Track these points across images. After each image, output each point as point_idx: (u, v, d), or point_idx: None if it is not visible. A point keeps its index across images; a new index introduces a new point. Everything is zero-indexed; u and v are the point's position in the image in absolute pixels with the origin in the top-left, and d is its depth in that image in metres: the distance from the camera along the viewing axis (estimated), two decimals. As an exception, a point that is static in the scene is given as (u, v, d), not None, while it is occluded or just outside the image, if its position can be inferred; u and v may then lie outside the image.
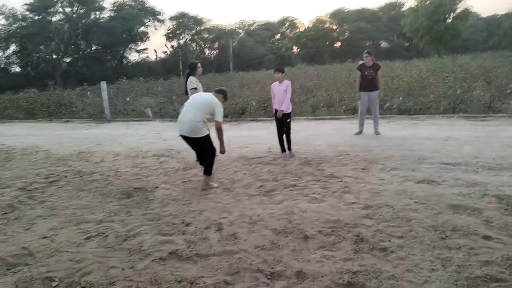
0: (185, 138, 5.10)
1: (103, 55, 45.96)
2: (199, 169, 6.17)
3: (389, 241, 3.33)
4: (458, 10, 41.61)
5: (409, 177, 5.08)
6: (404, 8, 56.46)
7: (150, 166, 6.65)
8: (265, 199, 4.59)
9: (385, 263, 2.98)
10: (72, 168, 6.79)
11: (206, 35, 54.86)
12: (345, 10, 67.19)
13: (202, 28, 53.75)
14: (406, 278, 2.77)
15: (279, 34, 68.85)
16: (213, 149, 5.19)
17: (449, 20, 41.58)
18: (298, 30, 68.23)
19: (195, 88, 6.49)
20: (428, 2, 41.20)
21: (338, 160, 6.24)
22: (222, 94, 5.29)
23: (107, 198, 5.01)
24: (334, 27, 67.30)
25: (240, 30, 64.27)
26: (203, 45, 56.49)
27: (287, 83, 6.75)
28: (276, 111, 6.77)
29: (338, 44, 65.51)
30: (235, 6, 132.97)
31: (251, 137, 8.70)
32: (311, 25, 66.07)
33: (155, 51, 56.37)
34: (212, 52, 58.27)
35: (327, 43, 62.74)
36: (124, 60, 50.63)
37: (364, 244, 3.30)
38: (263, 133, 9.47)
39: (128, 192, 5.18)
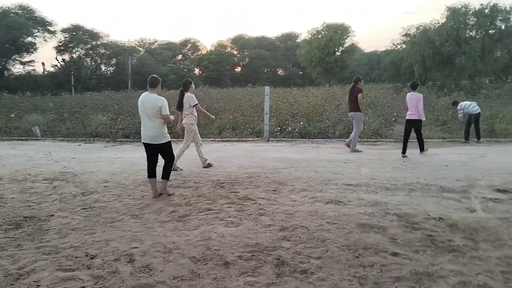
0: (148, 145, 5.42)
1: (-20, 65, 40.54)
2: (101, 194, 5.69)
3: (308, 262, 3.37)
4: (346, 45, 46.19)
5: (318, 198, 5.28)
6: (299, 40, 60.79)
7: (42, 192, 5.89)
8: (179, 225, 4.34)
9: (307, 286, 2.99)
10: None
11: (102, 51, 52.02)
12: (246, 37, 69.89)
13: (99, 42, 50.90)
14: (329, 299, 2.80)
15: (181, 55, 68.57)
16: (173, 156, 5.71)
17: (338, 53, 45.86)
18: (200, 52, 68.74)
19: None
20: (320, 35, 45.00)
21: (250, 182, 6.25)
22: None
23: (-10, 229, 4.26)
24: (235, 52, 69.35)
25: (140, 48, 62.53)
26: (99, 61, 53.41)
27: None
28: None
29: (238, 69, 67.52)
30: (135, 23, 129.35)
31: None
32: (213, 49, 67.15)
33: (43, 64, 51.61)
34: (109, 68, 55.47)
35: (228, 67, 64.26)
36: (5, 72, 45.26)
37: (285, 267, 3.28)
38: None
39: (17, 222, 4.49)
